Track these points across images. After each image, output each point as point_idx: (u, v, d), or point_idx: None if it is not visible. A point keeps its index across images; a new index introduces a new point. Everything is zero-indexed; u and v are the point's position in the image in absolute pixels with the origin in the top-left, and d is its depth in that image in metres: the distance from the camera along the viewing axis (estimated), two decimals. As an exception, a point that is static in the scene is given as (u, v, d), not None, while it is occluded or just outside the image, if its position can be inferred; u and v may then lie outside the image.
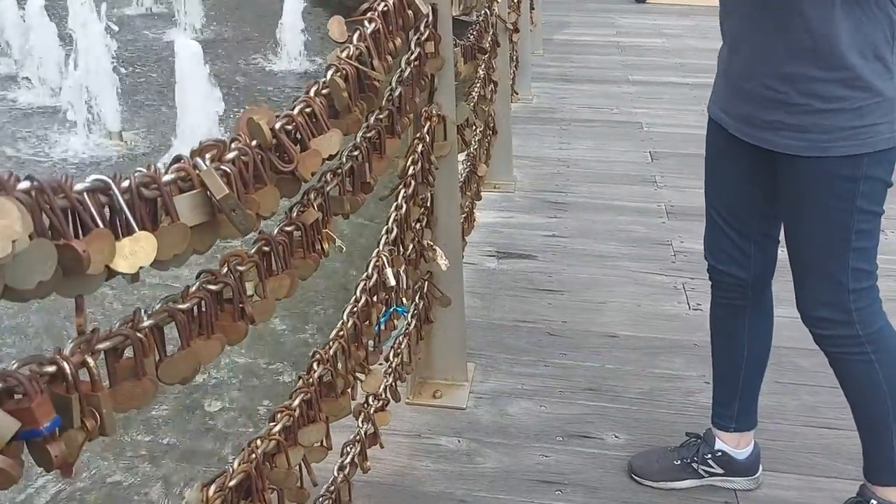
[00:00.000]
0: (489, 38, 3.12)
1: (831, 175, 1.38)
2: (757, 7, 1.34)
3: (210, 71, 5.16)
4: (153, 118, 5.69)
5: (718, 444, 1.81)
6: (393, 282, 1.64)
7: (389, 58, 1.48)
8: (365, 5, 1.50)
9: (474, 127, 2.78)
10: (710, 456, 1.81)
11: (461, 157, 2.75)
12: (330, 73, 1.31)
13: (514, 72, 4.54)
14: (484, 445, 2.00)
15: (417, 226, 1.92)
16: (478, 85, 2.87)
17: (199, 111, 4.75)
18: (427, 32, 1.78)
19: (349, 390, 1.55)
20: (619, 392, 2.20)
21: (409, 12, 1.54)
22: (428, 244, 1.94)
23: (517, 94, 4.76)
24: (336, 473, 1.58)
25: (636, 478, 1.86)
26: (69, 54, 5.63)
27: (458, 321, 2.16)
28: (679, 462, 1.83)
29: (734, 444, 1.80)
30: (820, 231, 1.43)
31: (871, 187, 1.39)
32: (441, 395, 2.15)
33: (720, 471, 1.82)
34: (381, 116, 1.57)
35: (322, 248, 1.31)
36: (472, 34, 2.56)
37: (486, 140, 3.22)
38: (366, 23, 1.46)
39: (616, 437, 2.03)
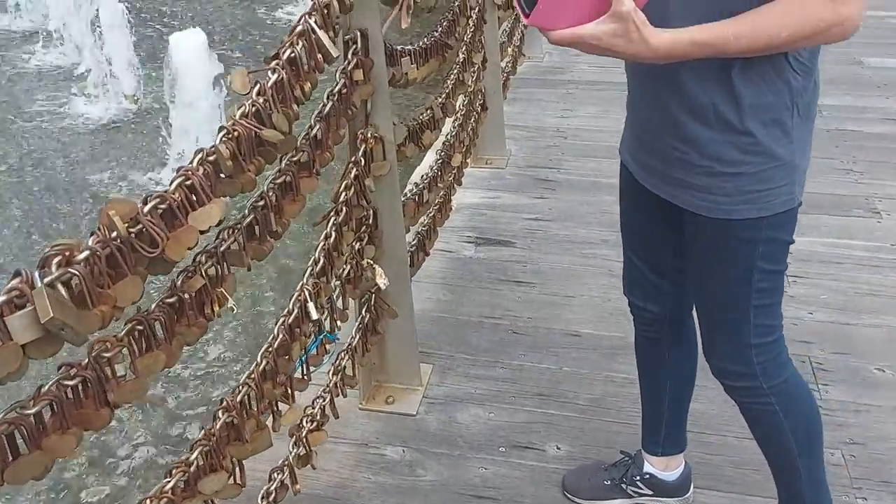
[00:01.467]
0: (473, 16, 3.06)
1: (732, 236, 1.35)
2: (650, 74, 1.30)
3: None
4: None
5: (647, 467, 1.83)
6: (315, 315, 1.68)
7: (295, 106, 1.49)
8: (273, 51, 1.50)
9: (454, 112, 2.75)
10: (638, 478, 1.84)
11: (437, 143, 2.75)
12: (219, 136, 1.33)
13: (523, 30, 4.45)
14: (427, 456, 2.05)
15: (357, 244, 1.95)
16: (455, 71, 2.83)
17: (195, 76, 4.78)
18: (354, 61, 1.77)
19: (269, 423, 1.61)
20: (570, 398, 2.22)
21: (319, 56, 1.53)
22: (368, 263, 1.97)
23: (525, 55, 4.67)
24: (260, 502, 1.66)
25: (568, 495, 1.90)
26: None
27: (408, 330, 2.20)
28: (609, 482, 1.87)
29: (662, 467, 1.83)
30: (721, 288, 1.42)
31: (772, 248, 1.36)
32: (393, 401, 2.21)
33: (649, 492, 1.85)
34: (294, 158, 1.58)
35: (213, 310, 1.35)
36: (438, 27, 2.51)
37: (473, 120, 3.19)
38: (269, 73, 1.45)
39: (558, 448, 2.06)
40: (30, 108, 5.39)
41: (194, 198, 1.24)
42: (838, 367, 2.30)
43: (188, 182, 1.24)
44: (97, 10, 5.66)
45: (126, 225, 1.13)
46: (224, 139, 1.33)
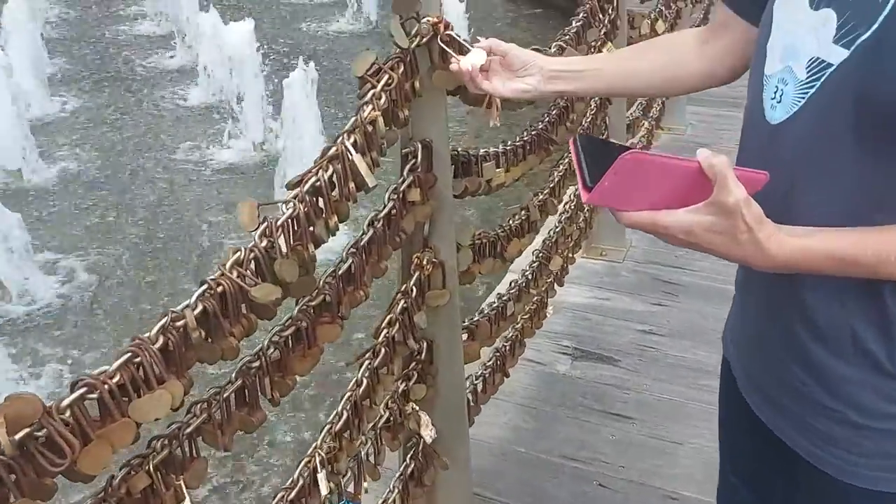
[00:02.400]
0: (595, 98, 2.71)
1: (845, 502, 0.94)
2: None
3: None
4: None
5: None
6: (325, 490, 1.37)
7: (312, 248, 1.19)
8: (295, 179, 1.22)
9: (556, 212, 2.40)
10: None
11: (535, 242, 2.40)
12: (200, 292, 1.05)
13: (664, 100, 4.04)
14: None
15: (402, 384, 1.63)
16: (565, 162, 2.48)
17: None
18: (411, 178, 1.46)
19: None
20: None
21: (352, 185, 1.24)
22: (412, 408, 1.64)
23: (661, 129, 4.24)
24: None
25: None
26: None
27: (461, 482, 1.85)
28: None
29: None
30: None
31: None
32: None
33: None
34: (312, 303, 1.29)
35: (167, 509, 1.06)
36: (545, 116, 2.17)
37: (586, 211, 2.82)
38: (282, 207, 1.17)
39: None
40: (173, 154, 5.43)
41: (144, 376, 0.98)
42: None
43: (136, 359, 0.97)
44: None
45: (27, 430, 0.86)
46: (204, 297, 1.05)
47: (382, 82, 1.32)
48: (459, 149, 1.67)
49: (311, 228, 1.20)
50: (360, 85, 1.35)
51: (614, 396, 2.41)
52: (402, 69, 1.36)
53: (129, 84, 6.72)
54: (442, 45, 1.38)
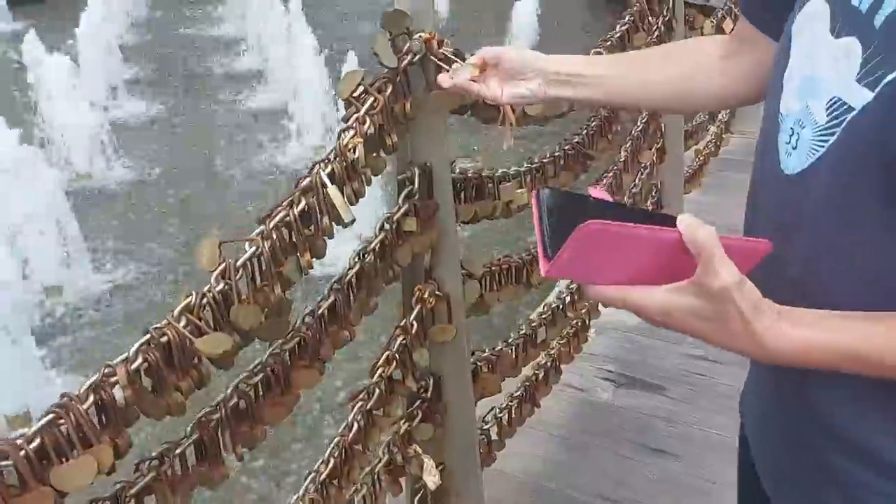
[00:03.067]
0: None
1: None
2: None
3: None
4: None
5: None
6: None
7: (279, 289, 1.09)
8: (266, 212, 1.12)
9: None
10: None
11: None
12: (141, 343, 0.97)
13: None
14: None
15: (405, 425, 1.52)
16: (609, 177, 2.32)
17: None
18: (405, 207, 1.34)
19: None
20: None
21: (326, 220, 1.13)
22: (415, 451, 1.53)
23: (732, 132, 4.00)
24: None
25: None
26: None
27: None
28: None
29: None
30: None
31: None
32: None
33: None
34: (286, 346, 1.18)
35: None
36: (583, 129, 2.01)
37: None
38: (246, 245, 1.08)
39: None
40: (242, 161, 5.44)
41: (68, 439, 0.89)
42: None
43: (60, 422, 0.89)
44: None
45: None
46: (146, 348, 0.97)
47: (367, 105, 1.21)
48: (470, 170, 1.54)
49: (280, 269, 1.10)
50: (346, 107, 1.24)
51: (658, 429, 2.24)
52: (390, 90, 1.24)
53: (203, 87, 6.82)
54: (438, 62, 1.26)
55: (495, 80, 1.14)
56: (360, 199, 1.21)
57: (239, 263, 1.05)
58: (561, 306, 2.14)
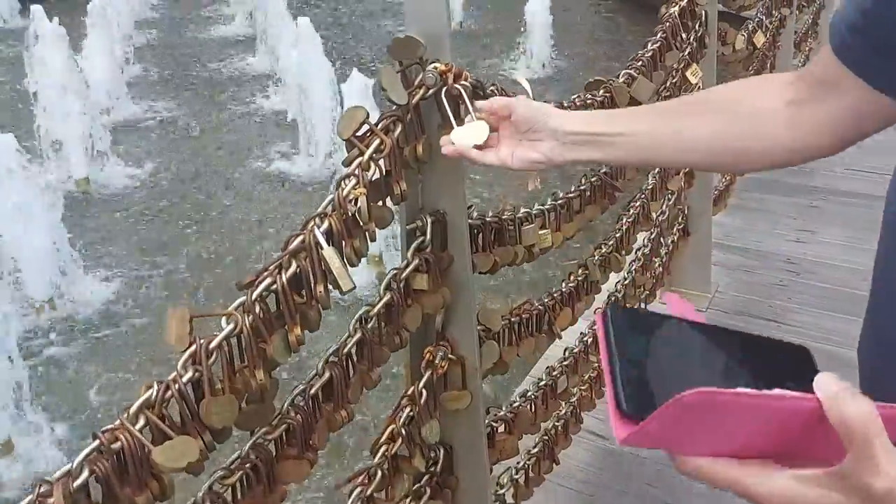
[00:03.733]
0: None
1: None
2: None
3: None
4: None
5: None
6: None
7: (261, 375, 0.91)
8: (248, 279, 0.94)
9: (621, 269, 2.05)
10: None
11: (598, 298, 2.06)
12: (82, 456, 0.79)
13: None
14: None
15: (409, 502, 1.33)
16: (636, 206, 2.13)
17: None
18: (416, 262, 1.16)
19: None
20: None
21: (320, 289, 0.94)
22: (422, 534, 1.34)
23: (759, 150, 3.80)
24: None
25: None
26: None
27: None
28: None
29: None
30: None
31: None
32: None
33: None
34: (270, 436, 1.00)
35: None
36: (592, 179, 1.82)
37: (663, 254, 2.46)
38: (223, 320, 0.89)
39: None
40: (245, 165, 5.26)
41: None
42: None
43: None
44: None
45: None
46: (94, 458, 0.79)
47: (372, 148, 1.03)
48: (489, 214, 1.36)
49: (264, 347, 0.92)
50: (348, 149, 1.06)
51: (686, 487, 2.04)
52: (399, 130, 1.06)
53: (210, 89, 6.65)
54: (453, 97, 1.07)
55: (505, 141, 0.97)
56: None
57: (213, 345, 0.87)
58: (584, 349, 1.96)
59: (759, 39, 3.07)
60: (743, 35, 2.87)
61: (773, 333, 2.16)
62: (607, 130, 0.95)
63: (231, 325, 0.88)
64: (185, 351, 0.86)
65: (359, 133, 1.05)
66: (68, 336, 3.58)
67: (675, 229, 2.59)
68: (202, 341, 0.86)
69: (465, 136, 1.01)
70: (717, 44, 2.60)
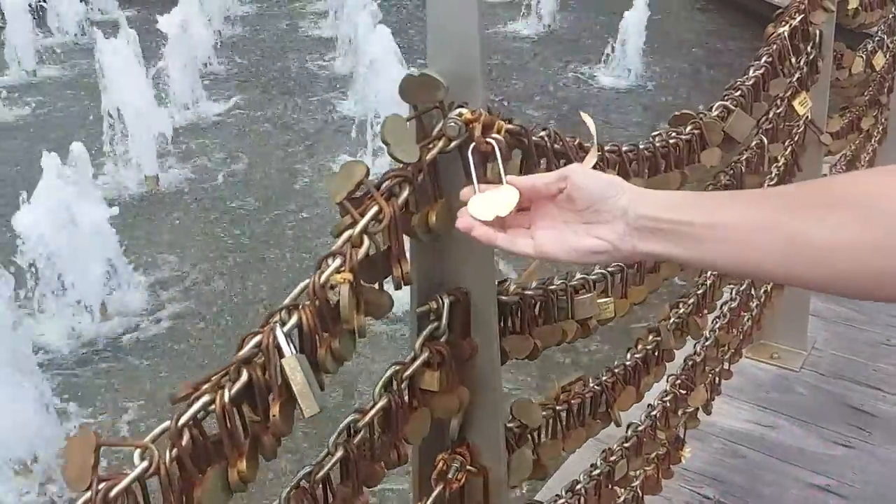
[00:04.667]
0: (785, 157, 2.03)
1: None
2: None
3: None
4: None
5: None
6: None
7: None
8: (181, 392, 0.71)
9: (700, 334, 1.75)
10: None
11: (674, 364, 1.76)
12: None
13: (873, 147, 3.21)
14: None
15: None
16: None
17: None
18: (424, 356, 0.91)
19: None
20: None
21: (275, 414, 0.71)
22: None
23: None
24: None
25: None
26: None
27: None
28: None
29: None
30: None
31: None
32: None
33: None
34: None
35: None
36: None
37: (753, 308, 2.14)
38: (136, 455, 0.67)
39: None
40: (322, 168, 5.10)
41: None
42: None
43: None
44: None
45: None
46: None
47: (367, 218, 0.79)
48: (531, 286, 1.09)
49: (192, 493, 0.69)
50: (341, 214, 0.82)
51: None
52: (405, 194, 0.81)
53: (289, 88, 6.54)
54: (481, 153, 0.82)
55: (542, 221, 0.71)
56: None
57: (115, 492, 0.64)
58: (651, 425, 1.67)
59: (879, 61, 2.69)
60: (861, 57, 2.50)
61: (878, 407, 1.81)
62: (696, 219, 0.68)
63: (145, 462, 0.66)
64: (81, 497, 0.64)
65: (357, 194, 0.81)
66: (117, 345, 3.46)
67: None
68: (101, 487, 0.64)
69: (484, 206, 0.75)
70: (833, 67, 2.25)
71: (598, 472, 1.48)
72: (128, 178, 4.84)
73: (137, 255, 3.99)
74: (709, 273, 1.78)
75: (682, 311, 1.66)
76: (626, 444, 1.58)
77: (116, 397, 3.13)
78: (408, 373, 0.89)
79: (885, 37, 2.72)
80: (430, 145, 0.81)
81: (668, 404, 1.71)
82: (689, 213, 0.68)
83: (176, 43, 5.79)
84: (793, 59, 1.86)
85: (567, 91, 6.09)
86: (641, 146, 1.30)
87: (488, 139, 0.81)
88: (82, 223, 3.35)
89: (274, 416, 0.71)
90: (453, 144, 0.82)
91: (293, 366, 0.72)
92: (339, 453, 0.84)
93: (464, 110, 0.81)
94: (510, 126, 0.85)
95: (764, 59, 1.72)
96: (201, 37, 6.68)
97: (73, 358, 3.35)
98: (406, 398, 0.91)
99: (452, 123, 0.81)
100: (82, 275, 3.42)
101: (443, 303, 0.92)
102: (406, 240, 0.85)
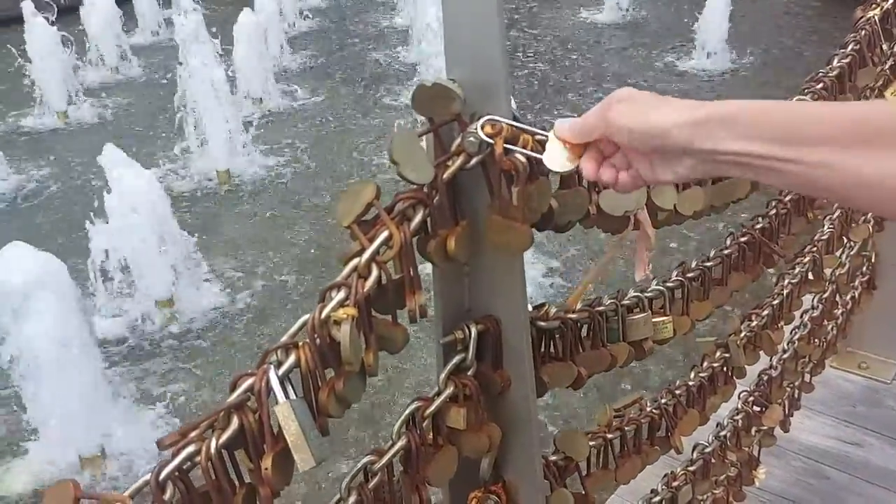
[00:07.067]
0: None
1: None
2: None
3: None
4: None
5: None
6: None
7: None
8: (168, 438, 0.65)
9: (773, 348, 1.61)
10: None
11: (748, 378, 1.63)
12: None
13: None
14: None
15: None
16: (806, 260, 1.67)
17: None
18: (449, 391, 0.83)
19: None
20: None
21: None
22: None
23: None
24: None
25: None
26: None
27: None
28: None
29: None
30: None
31: None
32: None
33: None
34: None
35: None
36: (762, 218, 1.39)
37: (839, 314, 1.97)
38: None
39: None
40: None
41: None
42: None
43: None
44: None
45: None
46: None
47: (375, 245, 0.71)
48: (576, 307, 0.99)
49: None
50: (352, 237, 0.74)
51: None
52: (418, 217, 0.73)
53: (361, 81, 6.53)
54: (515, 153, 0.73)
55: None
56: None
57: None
58: (720, 446, 1.55)
59: None
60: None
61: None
62: (778, 153, 0.59)
63: (124, 525, 0.60)
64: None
65: (367, 217, 0.74)
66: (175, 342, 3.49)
67: (856, 282, 2.08)
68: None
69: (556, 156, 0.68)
70: (929, 52, 2.04)
71: (658, 498, 1.38)
72: (201, 173, 4.90)
73: (209, 249, 4.02)
74: (786, 280, 1.64)
75: (755, 323, 1.52)
76: (691, 468, 1.47)
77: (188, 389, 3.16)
78: (431, 409, 0.81)
79: None
80: (448, 163, 0.73)
81: (740, 423, 1.58)
82: (777, 148, 0.60)
83: (250, 38, 5.83)
84: (884, 46, 1.69)
85: (653, 80, 5.88)
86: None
87: (513, 158, 0.72)
88: (153, 217, 3.38)
89: (266, 469, 0.64)
90: (473, 161, 0.73)
91: (287, 414, 0.65)
92: (353, 499, 0.77)
93: (485, 120, 0.72)
94: (541, 137, 0.76)
95: (851, 46, 1.56)
96: (275, 31, 6.73)
97: (141, 351, 3.40)
98: (430, 436, 0.83)
99: (472, 138, 0.72)
100: (153, 270, 3.46)
101: (470, 332, 0.83)
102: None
